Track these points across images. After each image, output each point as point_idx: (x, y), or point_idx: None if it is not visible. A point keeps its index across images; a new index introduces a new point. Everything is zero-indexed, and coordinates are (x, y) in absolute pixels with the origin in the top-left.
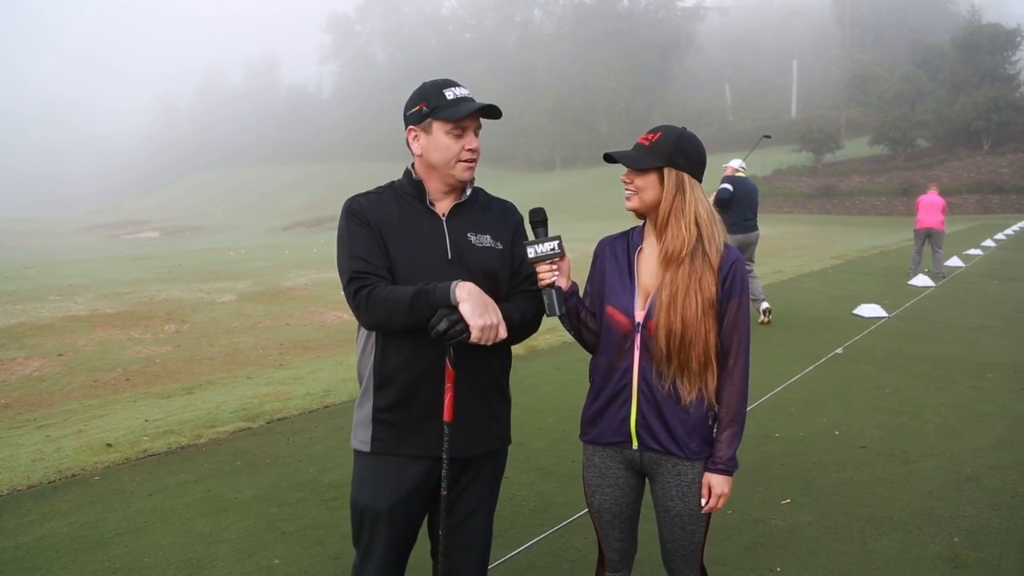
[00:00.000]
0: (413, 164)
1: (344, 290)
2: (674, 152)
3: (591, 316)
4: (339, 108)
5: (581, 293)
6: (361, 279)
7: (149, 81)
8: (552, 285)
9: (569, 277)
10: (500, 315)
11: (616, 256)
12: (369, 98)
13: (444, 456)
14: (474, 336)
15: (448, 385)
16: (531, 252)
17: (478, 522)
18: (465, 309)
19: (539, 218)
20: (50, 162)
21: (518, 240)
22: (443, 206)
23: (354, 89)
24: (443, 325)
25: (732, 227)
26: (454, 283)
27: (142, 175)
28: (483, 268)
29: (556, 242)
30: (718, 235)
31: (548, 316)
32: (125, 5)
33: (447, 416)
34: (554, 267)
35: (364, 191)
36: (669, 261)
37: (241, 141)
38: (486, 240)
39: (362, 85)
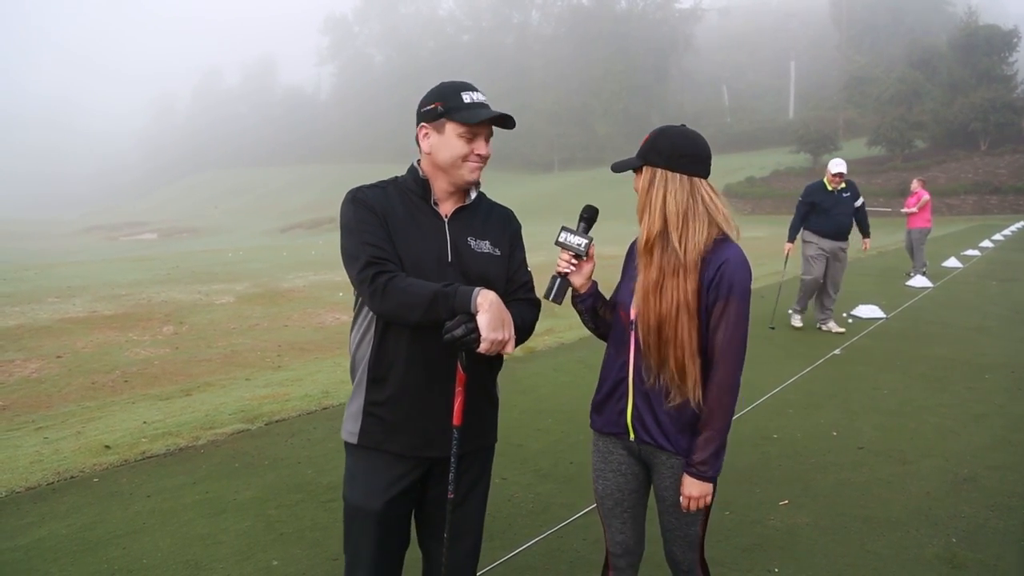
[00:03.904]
0: (419, 161)
1: (357, 275)
2: (649, 150)
3: (609, 312)
4: (337, 109)
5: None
6: (380, 264)
7: (146, 82)
8: (563, 275)
9: (589, 279)
10: (512, 331)
11: (631, 253)
12: (367, 99)
13: (452, 460)
14: (482, 348)
15: (459, 389)
16: (561, 237)
17: (469, 511)
18: (482, 320)
19: (587, 215)
20: (48, 163)
21: (516, 247)
22: (446, 207)
23: (352, 90)
24: (459, 331)
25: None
26: (476, 290)
27: (140, 176)
28: (480, 273)
29: (585, 241)
30: (696, 231)
31: (543, 296)
32: (122, 7)
33: (456, 420)
34: (573, 261)
35: (366, 184)
36: (640, 254)
37: (239, 142)
38: (485, 246)
39: (360, 86)
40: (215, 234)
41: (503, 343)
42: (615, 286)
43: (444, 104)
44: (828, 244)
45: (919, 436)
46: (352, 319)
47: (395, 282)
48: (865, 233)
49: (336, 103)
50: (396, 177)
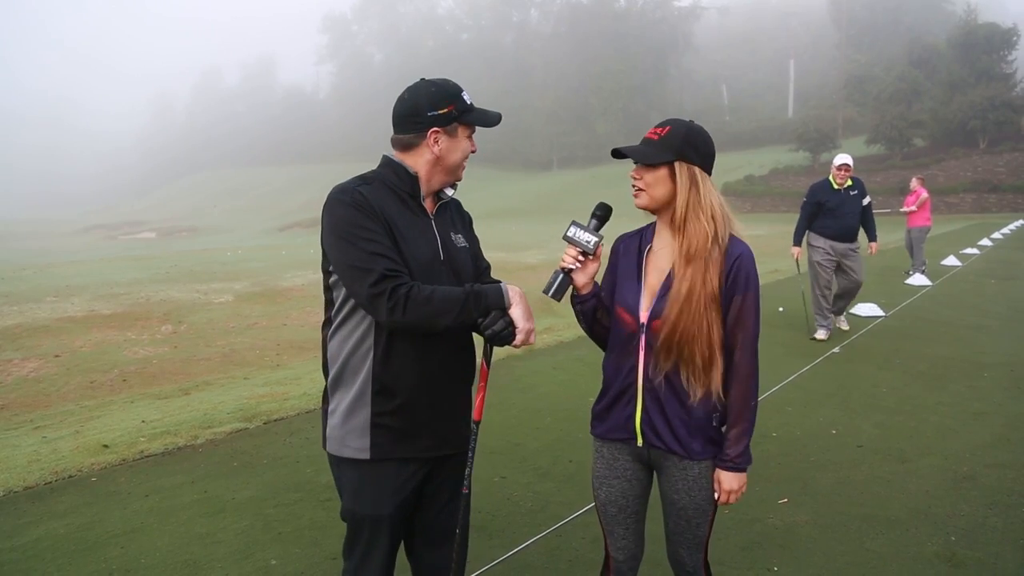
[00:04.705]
0: (397, 156)
1: (369, 288)
2: (684, 146)
3: (606, 314)
4: (336, 108)
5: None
6: (396, 277)
7: (146, 82)
8: (567, 272)
9: (592, 280)
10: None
11: (629, 254)
12: (366, 98)
13: (470, 454)
14: (519, 339)
15: (481, 384)
16: (570, 232)
17: (463, 500)
18: (516, 312)
19: (600, 212)
20: (47, 162)
21: (473, 236)
22: (429, 205)
23: (351, 89)
24: (499, 326)
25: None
26: (504, 286)
27: (139, 176)
28: (465, 268)
29: (596, 239)
30: (727, 229)
31: (542, 292)
32: (122, 6)
33: (477, 415)
34: (580, 258)
35: (349, 181)
36: (691, 257)
37: (238, 142)
38: (461, 240)
39: (359, 85)
40: (214, 233)
41: (533, 332)
42: (606, 284)
43: (456, 107)
44: (837, 247)
45: (918, 434)
46: (330, 328)
47: (415, 293)
48: (872, 236)
49: (335, 102)
50: (374, 171)
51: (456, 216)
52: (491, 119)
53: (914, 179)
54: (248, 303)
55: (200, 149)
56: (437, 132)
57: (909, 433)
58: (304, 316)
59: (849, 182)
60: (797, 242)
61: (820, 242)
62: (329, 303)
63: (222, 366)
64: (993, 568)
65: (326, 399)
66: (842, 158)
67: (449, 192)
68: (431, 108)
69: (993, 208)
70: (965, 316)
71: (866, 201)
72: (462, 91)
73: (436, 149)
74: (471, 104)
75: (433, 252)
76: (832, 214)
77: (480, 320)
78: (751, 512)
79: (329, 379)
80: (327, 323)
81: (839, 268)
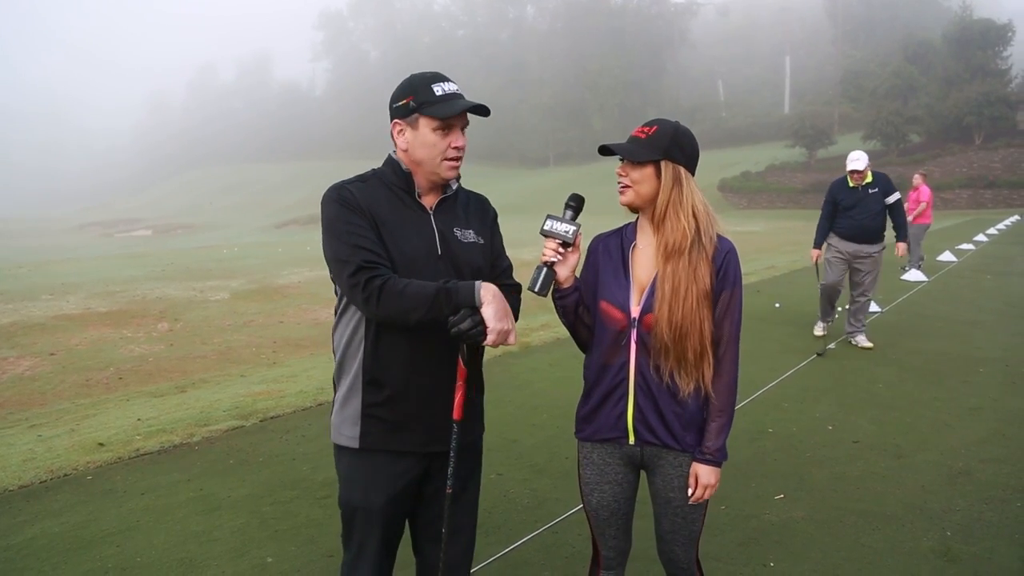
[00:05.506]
0: (395, 153)
1: (347, 279)
2: (671, 146)
3: (587, 312)
4: (332, 105)
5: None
6: (372, 269)
7: (141, 78)
8: (549, 265)
9: (573, 273)
10: (513, 321)
11: (610, 252)
12: (362, 95)
13: (452, 454)
14: (490, 339)
15: (459, 383)
16: (547, 225)
17: (465, 506)
18: (488, 312)
19: (574, 203)
20: (43, 158)
21: (495, 234)
22: (429, 200)
23: (347, 86)
24: (466, 324)
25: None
26: (478, 284)
27: (135, 173)
28: (470, 264)
29: (573, 228)
30: (712, 227)
31: (527, 289)
32: (120, 2)
33: (457, 414)
34: (560, 249)
35: (345, 180)
36: (669, 254)
37: (234, 138)
38: (470, 235)
39: (355, 82)
40: (210, 230)
41: (508, 333)
42: (586, 283)
43: (416, 99)
44: (848, 247)
45: (914, 430)
46: (335, 318)
47: (390, 285)
48: (899, 236)
49: (331, 98)
50: (375, 170)
51: (473, 211)
52: (454, 108)
53: (916, 175)
54: (244, 300)
55: (196, 146)
56: (399, 124)
57: (905, 429)
58: (300, 313)
59: (869, 178)
60: (817, 244)
61: (833, 240)
62: (336, 295)
63: (218, 364)
64: (988, 563)
65: (335, 388)
66: (853, 161)
67: (454, 186)
68: (393, 100)
69: (988, 204)
70: (961, 312)
71: (892, 199)
72: (434, 83)
73: (401, 141)
74: (440, 95)
75: (428, 247)
76: (846, 213)
77: (450, 317)
78: (747, 508)
79: (334, 369)
80: (335, 313)
81: (851, 272)
